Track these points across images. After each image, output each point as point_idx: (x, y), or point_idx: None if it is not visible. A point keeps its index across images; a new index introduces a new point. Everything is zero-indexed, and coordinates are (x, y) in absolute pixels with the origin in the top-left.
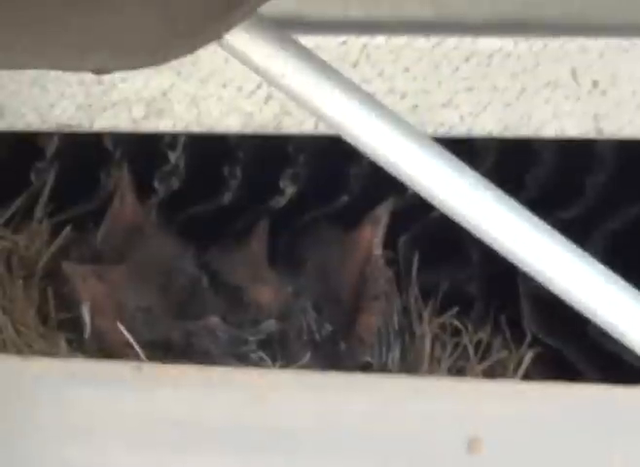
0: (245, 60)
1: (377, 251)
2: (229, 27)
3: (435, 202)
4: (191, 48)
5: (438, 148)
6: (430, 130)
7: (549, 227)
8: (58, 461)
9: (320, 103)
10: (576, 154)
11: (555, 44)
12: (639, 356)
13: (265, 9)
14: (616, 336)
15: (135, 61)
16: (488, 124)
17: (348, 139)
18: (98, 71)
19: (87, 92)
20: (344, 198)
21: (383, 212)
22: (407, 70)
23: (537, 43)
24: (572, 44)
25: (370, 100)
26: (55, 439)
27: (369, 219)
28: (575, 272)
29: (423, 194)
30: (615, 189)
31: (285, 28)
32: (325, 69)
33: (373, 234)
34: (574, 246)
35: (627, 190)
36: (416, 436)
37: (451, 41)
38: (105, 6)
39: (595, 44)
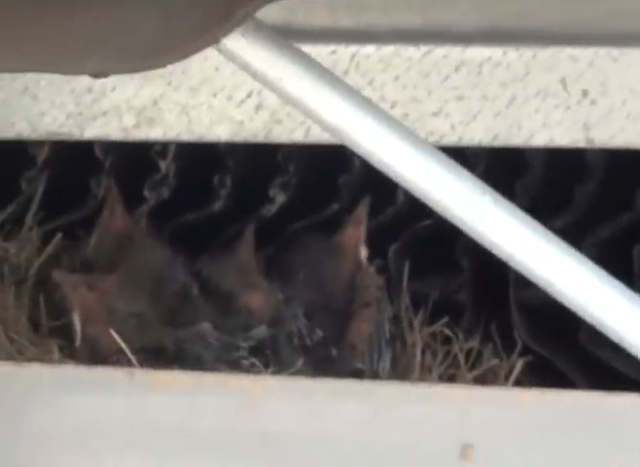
0: (243, 65)
1: (363, 251)
2: (227, 32)
3: (431, 204)
4: (189, 52)
5: (435, 151)
6: None
7: (545, 229)
8: None
9: (317, 107)
10: (566, 163)
11: (545, 53)
12: (629, 364)
13: (257, 15)
14: (612, 337)
15: (134, 65)
16: (478, 132)
17: (345, 143)
18: (97, 75)
19: (77, 101)
20: (334, 206)
21: (362, 212)
22: (396, 79)
23: (527, 52)
24: (562, 53)
25: (367, 104)
26: (48, 445)
27: (352, 222)
28: (571, 274)
29: (419, 196)
30: (605, 197)
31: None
32: (323, 73)
33: (356, 235)
34: (571, 249)
35: (617, 198)
36: (408, 443)
37: (441, 50)
38: (104, 11)
39: (585, 53)
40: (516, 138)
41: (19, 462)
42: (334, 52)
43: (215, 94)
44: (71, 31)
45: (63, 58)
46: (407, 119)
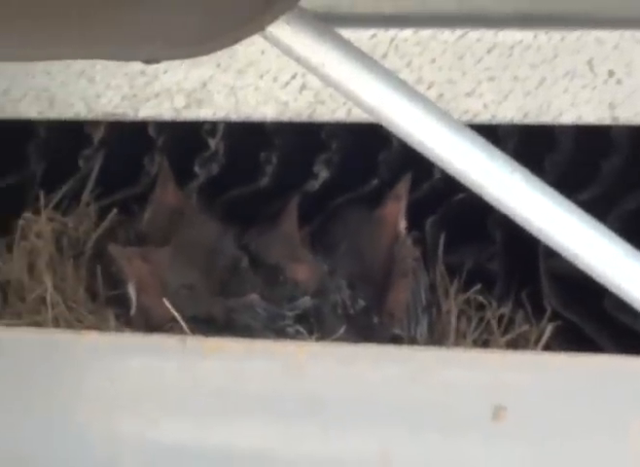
0: (287, 51)
1: (402, 225)
2: (271, 20)
3: (465, 182)
4: (235, 39)
5: (468, 131)
6: (455, 117)
7: (573, 204)
8: (107, 428)
9: (357, 90)
10: (593, 139)
11: (573, 36)
12: None
13: (300, 3)
14: (634, 305)
15: (183, 52)
16: (510, 111)
17: (384, 123)
18: (149, 61)
19: (131, 84)
20: (374, 182)
21: (403, 187)
22: (433, 61)
23: (555, 35)
24: (588, 36)
25: (404, 87)
26: (105, 407)
27: (392, 198)
28: (598, 248)
29: (454, 174)
30: (630, 172)
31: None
32: (362, 58)
33: (397, 210)
34: (597, 223)
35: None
36: (444, 404)
37: (475, 34)
38: (156, 4)
39: (610, 36)
40: (546, 116)
41: (79, 424)
42: (374, 36)
43: (261, 76)
44: (127, 23)
45: (120, 47)
46: (442, 99)
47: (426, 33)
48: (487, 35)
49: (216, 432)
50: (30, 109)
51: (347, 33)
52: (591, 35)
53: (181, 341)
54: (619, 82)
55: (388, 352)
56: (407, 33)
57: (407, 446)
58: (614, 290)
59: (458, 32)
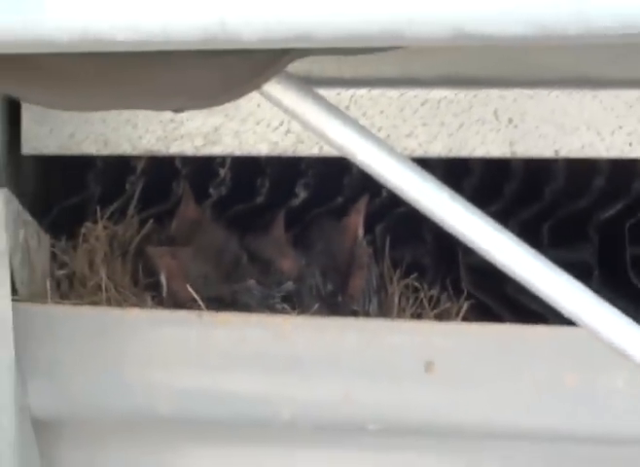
0: (277, 104)
1: (360, 231)
2: (266, 81)
3: (406, 199)
4: (240, 95)
5: (408, 162)
6: (398, 152)
7: (484, 214)
8: (146, 379)
9: (328, 132)
10: (498, 168)
11: (483, 93)
12: (542, 305)
13: (286, 69)
14: (531, 290)
15: (201, 104)
16: (438, 148)
17: (347, 157)
18: (177, 111)
19: (163, 128)
20: (340, 200)
21: (362, 207)
22: (382, 112)
23: (470, 93)
24: (494, 93)
25: (361, 130)
26: (144, 365)
27: (353, 212)
28: (502, 246)
29: (397, 193)
30: (524, 192)
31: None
32: (331, 109)
33: (357, 220)
34: (501, 228)
35: (531, 193)
36: (389, 360)
37: (412, 92)
38: (182, 70)
39: (510, 93)
40: (464, 152)
41: (126, 377)
42: (339, 93)
43: (258, 123)
44: (161, 84)
45: (156, 101)
46: (389, 138)
47: (376, 92)
48: (421, 93)
49: (224, 381)
50: (90, 148)
51: (321, 91)
52: (496, 93)
53: (199, 316)
54: (516, 126)
55: (349, 323)
56: (362, 92)
57: (363, 390)
58: (514, 277)
59: (400, 91)
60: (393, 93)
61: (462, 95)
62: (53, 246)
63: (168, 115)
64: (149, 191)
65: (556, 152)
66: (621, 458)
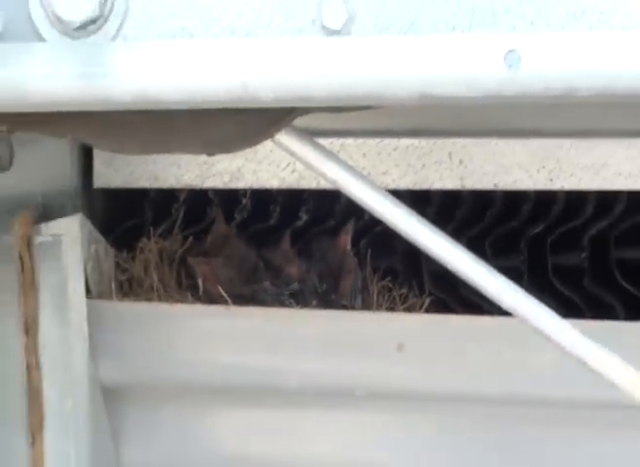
0: (285, 149)
1: (348, 245)
2: (277, 132)
3: (382, 219)
4: (256, 143)
5: (384, 192)
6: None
7: (442, 232)
8: (188, 358)
9: (324, 170)
10: (450, 199)
11: (440, 141)
12: (486, 301)
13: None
14: (481, 291)
15: (227, 150)
16: (406, 182)
17: (339, 189)
18: (210, 154)
19: (200, 168)
20: (333, 222)
21: (350, 227)
22: (364, 155)
23: (430, 141)
24: (449, 141)
25: (349, 168)
26: (187, 347)
27: (343, 231)
28: (456, 256)
29: (376, 215)
30: (472, 216)
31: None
32: (326, 153)
33: (346, 239)
34: (455, 242)
35: (478, 217)
36: (370, 343)
37: (387, 140)
38: (214, 123)
39: (461, 140)
40: (424, 185)
41: (172, 355)
42: (331, 142)
43: (270, 164)
44: (197, 134)
45: (194, 147)
46: (370, 175)
47: (360, 140)
48: (393, 141)
49: (247, 358)
50: (144, 182)
51: (319, 140)
52: (450, 140)
53: (227, 309)
54: (465, 166)
55: (340, 315)
56: (350, 140)
57: (351, 364)
58: (465, 280)
59: (378, 140)
60: (372, 142)
61: (424, 143)
62: (116, 257)
63: (203, 158)
64: (189, 215)
65: (496, 185)
66: (550, 416)
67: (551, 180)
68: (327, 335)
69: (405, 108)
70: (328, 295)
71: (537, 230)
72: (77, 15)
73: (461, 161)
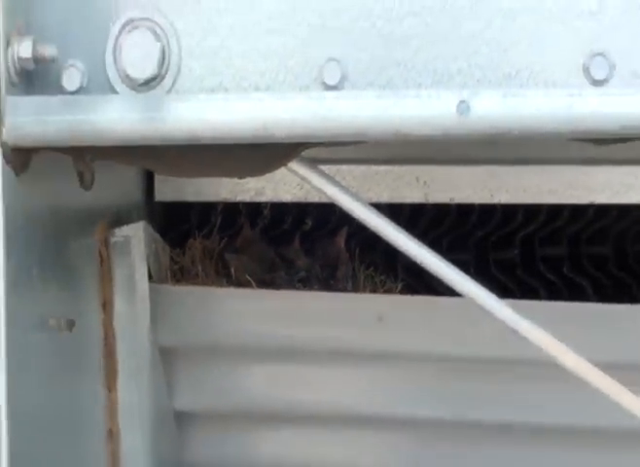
0: (296, 173)
1: (342, 244)
2: (289, 161)
3: (368, 226)
4: (274, 169)
5: (368, 205)
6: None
7: (413, 237)
8: (226, 325)
9: (324, 188)
10: (416, 211)
11: (410, 167)
12: (443, 286)
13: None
14: (438, 277)
15: (254, 174)
16: (384, 198)
17: (336, 203)
18: (240, 177)
19: (233, 187)
20: (330, 226)
21: (343, 231)
22: (354, 178)
23: (402, 167)
24: (417, 167)
25: (343, 188)
26: (224, 318)
27: (339, 233)
28: (425, 256)
29: (363, 222)
30: (434, 224)
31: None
32: (326, 177)
33: (341, 239)
34: (425, 247)
35: (437, 223)
36: (358, 316)
37: (373, 167)
38: (242, 155)
39: (427, 167)
40: (399, 199)
41: (216, 325)
42: (329, 168)
43: (285, 184)
44: (229, 163)
45: (227, 172)
46: (357, 192)
47: (352, 166)
48: (374, 167)
49: (269, 326)
50: (191, 197)
51: (320, 166)
52: (417, 167)
53: (252, 291)
54: (429, 186)
55: (336, 295)
56: (344, 166)
57: (344, 332)
58: (429, 270)
59: (363, 166)
60: (359, 167)
61: (397, 168)
62: (171, 253)
63: (236, 179)
64: (224, 222)
65: (451, 199)
66: (491, 370)
67: (492, 196)
68: (327, 310)
69: (383, 143)
70: (327, 281)
71: (481, 233)
72: (141, 74)
73: (425, 182)
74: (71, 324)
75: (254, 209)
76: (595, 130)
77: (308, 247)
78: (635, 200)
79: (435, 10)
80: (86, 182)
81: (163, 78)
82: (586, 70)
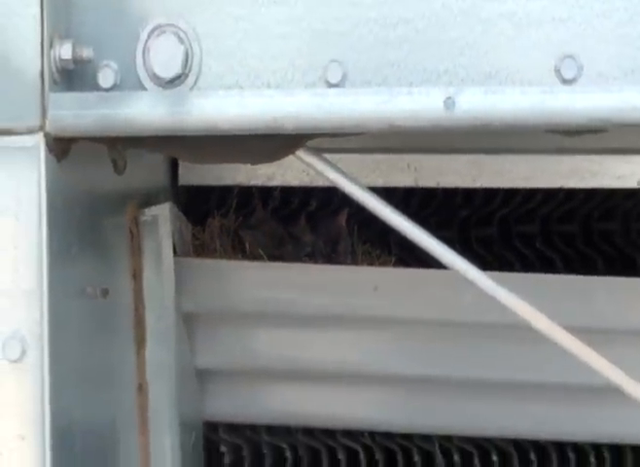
0: (302, 160)
1: (343, 223)
2: (297, 149)
3: (367, 207)
4: (284, 157)
5: (367, 189)
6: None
7: (405, 216)
8: (242, 292)
9: (328, 174)
10: (408, 193)
11: (402, 155)
12: (433, 260)
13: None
14: (428, 252)
15: (265, 161)
16: (379, 183)
17: (338, 187)
18: (253, 164)
19: (247, 172)
20: (332, 207)
21: (344, 211)
22: (354, 164)
23: (395, 155)
24: (408, 155)
25: (345, 173)
26: (240, 285)
27: (340, 213)
28: (417, 234)
29: (362, 204)
30: (421, 206)
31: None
32: (329, 163)
33: (342, 218)
34: (417, 224)
35: (425, 206)
36: (357, 286)
37: (369, 156)
38: (255, 144)
39: (417, 155)
40: (393, 184)
41: (233, 290)
42: (332, 156)
43: (292, 170)
44: (244, 150)
45: (242, 159)
46: (356, 177)
47: (351, 155)
48: (372, 155)
49: (278, 292)
50: (212, 180)
51: (324, 154)
52: (409, 155)
53: (265, 264)
54: (419, 172)
55: (338, 268)
56: (345, 155)
57: (344, 300)
58: (420, 246)
59: (362, 155)
60: (358, 156)
61: (392, 156)
62: (193, 230)
63: (249, 165)
64: (240, 202)
65: (438, 184)
66: (475, 333)
67: (474, 181)
68: (329, 281)
69: (379, 134)
70: (329, 255)
71: (464, 213)
72: (167, 73)
73: (415, 169)
74: (105, 292)
75: (265, 192)
76: (565, 123)
77: (313, 225)
78: (599, 185)
79: (424, 17)
80: (118, 168)
81: (187, 77)
82: (557, 71)
